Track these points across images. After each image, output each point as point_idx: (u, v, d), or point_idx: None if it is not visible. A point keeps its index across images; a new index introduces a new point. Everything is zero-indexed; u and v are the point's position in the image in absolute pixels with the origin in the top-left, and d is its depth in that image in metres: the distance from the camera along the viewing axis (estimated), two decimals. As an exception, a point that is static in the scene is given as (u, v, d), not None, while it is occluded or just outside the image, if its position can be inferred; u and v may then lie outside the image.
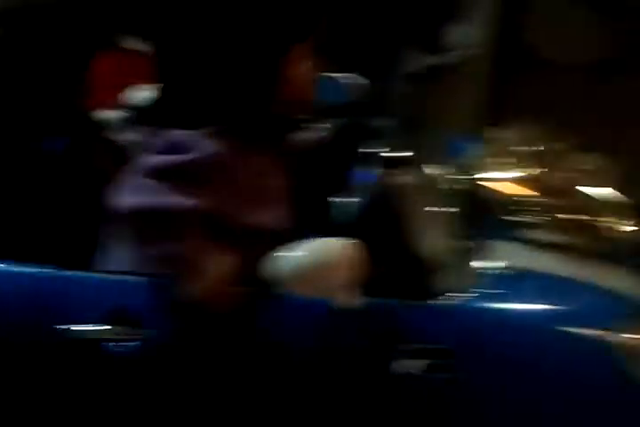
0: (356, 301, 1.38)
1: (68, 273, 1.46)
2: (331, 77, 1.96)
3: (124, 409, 1.47)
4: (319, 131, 1.82)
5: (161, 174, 1.36)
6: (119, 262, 1.46)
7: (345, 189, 1.69)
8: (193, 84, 1.41)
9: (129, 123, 1.61)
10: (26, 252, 1.52)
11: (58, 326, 1.42)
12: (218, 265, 1.37)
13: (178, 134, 1.40)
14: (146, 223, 1.36)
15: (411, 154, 1.54)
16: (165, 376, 1.45)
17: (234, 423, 1.47)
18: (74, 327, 1.42)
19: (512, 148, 1.75)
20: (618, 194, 1.69)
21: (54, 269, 1.46)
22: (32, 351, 1.46)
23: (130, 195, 1.37)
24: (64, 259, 1.49)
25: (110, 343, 1.43)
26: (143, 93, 1.64)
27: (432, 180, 1.69)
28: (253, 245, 1.42)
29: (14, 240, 1.59)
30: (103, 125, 1.67)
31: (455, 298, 1.45)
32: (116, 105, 1.67)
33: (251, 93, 1.40)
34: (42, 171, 1.75)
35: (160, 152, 1.40)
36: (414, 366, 1.41)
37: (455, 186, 1.71)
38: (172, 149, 1.38)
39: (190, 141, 1.38)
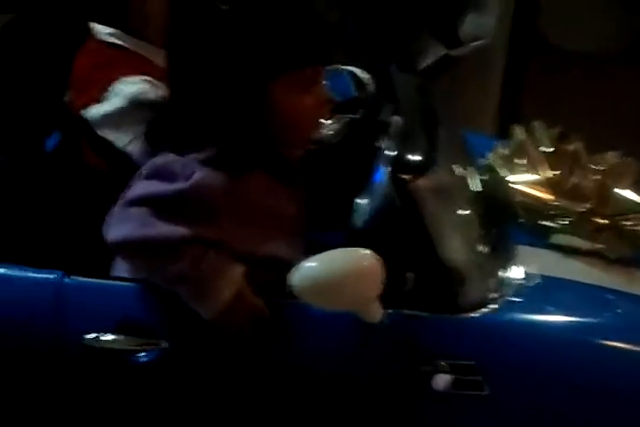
0: (378, 313, 1.30)
1: (80, 280, 1.37)
2: (339, 71, 1.88)
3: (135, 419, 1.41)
4: (332, 128, 1.75)
5: (150, 203, 1.28)
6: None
7: (364, 189, 1.62)
8: (187, 105, 1.32)
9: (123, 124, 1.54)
10: (27, 255, 1.44)
11: (70, 335, 1.35)
12: (229, 280, 1.29)
13: (170, 160, 1.31)
14: (138, 255, 1.29)
15: (427, 152, 1.46)
16: (183, 388, 1.38)
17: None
18: (88, 336, 1.35)
19: (535, 147, 1.67)
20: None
21: (61, 274, 1.37)
22: (43, 359, 1.37)
23: (119, 226, 1.29)
24: (69, 263, 1.40)
25: (126, 354, 1.35)
26: (131, 87, 1.57)
27: (452, 181, 1.61)
28: (264, 277, 1.34)
29: (14, 242, 1.52)
30: (93, 122, 1.59)
31: (483, 309, 1.37)
32: (100, 99, 1.60)
33: (240, 121, 1.30)
34: (35, 170, 1.68)
35: (150, 177, 1.31)
36: (441, 381, 1.33)
37: (478, 187, 1.63)
38: (163, 175, 1.30)
39: (182, 168, 1.29)
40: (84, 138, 1.66)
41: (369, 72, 1.88)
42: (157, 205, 1.28)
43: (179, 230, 1.26)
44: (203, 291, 1.28)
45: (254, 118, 1.30)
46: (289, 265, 1.34)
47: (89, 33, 1.70)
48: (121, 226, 1.28)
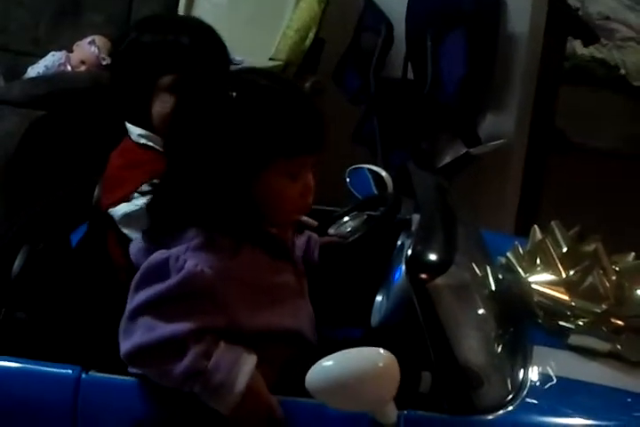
0: (394, 415, 1.30)
1: (97, 376, 1.38)
2: (360, 169, 1.92)
3: None
4: (351, 225, 1.77)
5: (149, 308, 1.30)
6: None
7: (383, 287, 1.63)
8: (178, 191, 1.36)
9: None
10: (47, 349, 1.46)
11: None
12: (243, 370, 1.30)
13: (161, 257, 1.32)
14: (149, 361, 1.30)
15: (446, 251, 1.47)
16: None
17: None
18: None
19: (553, 247, 1.68)
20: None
21: (79, 370, 1.39)
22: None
23: (126, 339, 1.31)
24: (88, 358, 1.42)
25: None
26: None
27: (470, 280, 1.62)
28: (271, 349, 1.36)
29: (34, 337, 1.53)
30: (118, 221, 1.63)
31: (499, 411, 1.35)
32: (128, 198, 1.63)
33: (231, 203, 1.33)
34: (60, 265, 1.71)
35: (144, 282, 1.32)
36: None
37: (496, 287, 1.63)
38: (156, 275, 1.31)
39: (174, 261, 1.31)
40: (110, 235, 1.70)
41: (388, 168, 1.92)
42: (156, 308, 1.29)
43: (182, 326, 1.27)
44: (216, 383, 1.28)
45: (245, 200, 1.34)
46: (298, 335, 1.39)
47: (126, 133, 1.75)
48: (128, 339, 1.30)
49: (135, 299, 1.32)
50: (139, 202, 1.61)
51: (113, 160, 1.75)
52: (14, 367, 1.41)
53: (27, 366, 1.40)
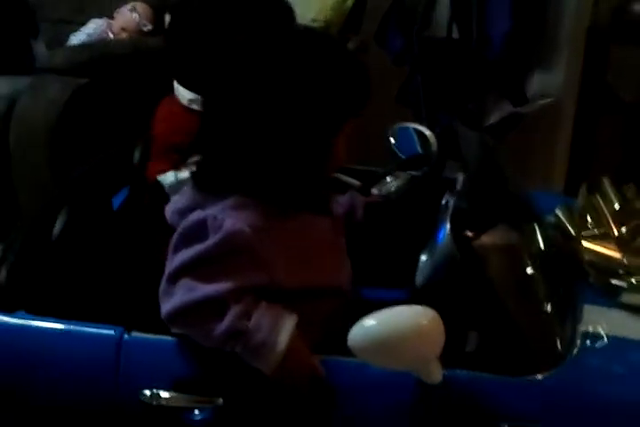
0: (439, 373, 1.27)
1: (139, 336, 1.38)
2: (405, 128, 1.88)
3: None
4: (394, 184, 1.75)
5: (189, 270, 1.28)
6: None
7: (427, 246, 1.60)
8: (234, 152, 1.32)
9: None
10: (90, 310, 1.46)
11: (127, 391, 1.34)
12: (283, 330, 1.28)
13: (198, 218, 1.30)
14: (190, 322, 1.29)
15: (492, 209, 1.44)
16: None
17: None
18: (145, 393, 1.34)
19: (604, 204, 1.63)
20: None
21: (122, 330, 1.39)
22: (100, 415, 1.38)
23: (167, 301, 1.29)
24: (131, 319, 1.41)
25: (182, 411, 1.34)
26: None
27: (519, 238, 1.58)
28: (312, 306, 1.34)
29: (78, 298, 1.54)
30: (167, 189, 1.61)
31: (549, 370, 1.32)
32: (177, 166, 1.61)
33: (296, 168, 1.31)
34: (103, 228, 1.71)
35: (181, 244, 1.30)
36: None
37: (545, 245, 1.59)
38: (193, 236, 1.29)
39: (212, 221, 1.29)
40: (158, 202, 1.68)
41: (433, 128, 1.88)
42: (196, 269, 1.28)
43: (222, 286, 1.26)
44: (258, 342, 1.27)
45: (316, 164, 1.32)
46: (338, 290, 1.39)
47: (170, 92, 1.72)
48: (168, 300, 1.29)
49: (174, 260, 1.30)
50: (187, 171, 1.59)
51: (159, 125, 1.72)
52: (58, 329, 1.41)
53: (70, 327, 1.41)
